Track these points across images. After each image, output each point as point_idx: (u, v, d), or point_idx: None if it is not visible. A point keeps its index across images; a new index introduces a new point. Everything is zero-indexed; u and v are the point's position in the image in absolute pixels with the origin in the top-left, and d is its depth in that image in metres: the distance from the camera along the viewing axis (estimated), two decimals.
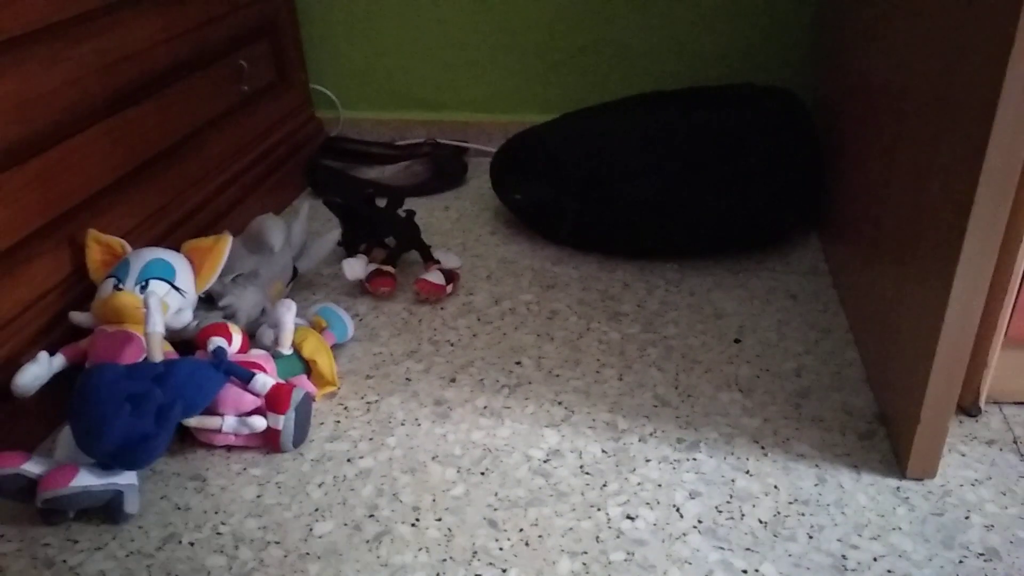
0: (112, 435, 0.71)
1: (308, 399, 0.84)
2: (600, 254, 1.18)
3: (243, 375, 0.81)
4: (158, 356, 0.79)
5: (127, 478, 0.75)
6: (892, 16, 0.88)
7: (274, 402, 0.81)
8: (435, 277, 1.07)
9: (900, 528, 0.71)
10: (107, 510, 0.75)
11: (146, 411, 0.73)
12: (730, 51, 1.36)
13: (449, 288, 1.08)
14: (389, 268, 1.09)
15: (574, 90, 1.44)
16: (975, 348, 0.77)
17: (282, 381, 0.84)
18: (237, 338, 0.86)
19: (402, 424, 0.86)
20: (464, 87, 1.49)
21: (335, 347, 0.96)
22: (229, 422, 0.80)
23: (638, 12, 1.36)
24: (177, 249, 0.93)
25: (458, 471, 0.80)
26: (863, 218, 0.95)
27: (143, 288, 0.86)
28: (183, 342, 0.89)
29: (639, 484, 0.77)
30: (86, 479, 0.72)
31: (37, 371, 0.80)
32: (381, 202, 1.20)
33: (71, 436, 0.75)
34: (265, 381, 0.82)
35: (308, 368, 0.89)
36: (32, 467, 0.72)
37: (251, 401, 0.81)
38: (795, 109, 1.15)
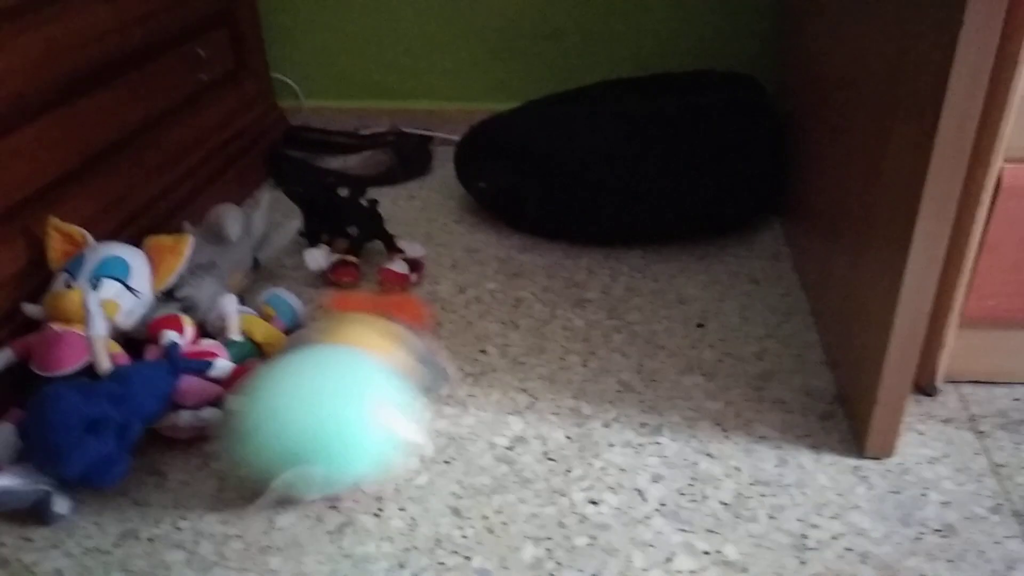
0: (74, 463, 0.70)
1: None
2: (565, 242, 1.18)
3: (199, 367, 0.80)
4: (104, 362, 0.77)
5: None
6: (847, 2, 0.88)
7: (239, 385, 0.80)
8: (399, 266, 1.07)
9: (859, 506, 0.72)
10: (34, 511, 0.73)
11: (106, 434, 0.71)
12: (693, 38, 1.37)
13: (413, 277, 1.08)
14: (352, 258, 1.08)
15: (538, 78, 1.44)
16: (930, 328, 0.78)
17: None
18: (189, 329, 0.84)
19: None
20: (428, 75, 1.48)
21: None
22: (184, 416, 0.79)
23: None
24: (138, 243, 0.92)
25: (421, 460, 0.80)
26: (823, 202, 0.96)
27: (95, 286, 0.84)
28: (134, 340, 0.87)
29: (602, 469, 0.78)
30: (6, 480, 0.71)
31: None
32: (343, 191, 1.19)
33: (6, 435, 0.74)
34: (224, 365, 0.81)
35: (261, 352, 0.88)
36: None
37: (214, 389, 0.81)
38: (757, 95, 1.16)
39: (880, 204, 0.74)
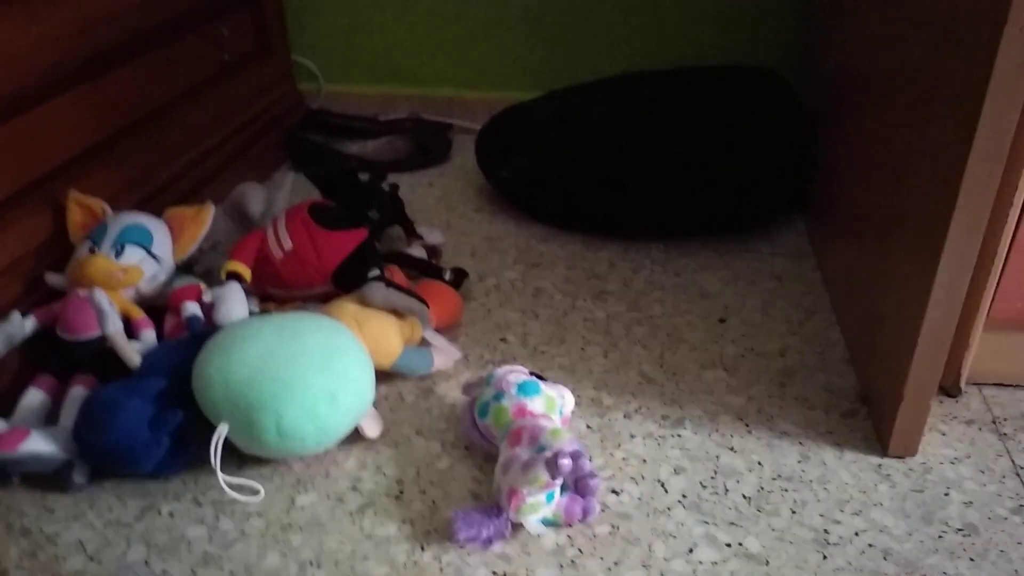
0: (148, 462, 0.73)
1: None
2: (586, 233, 1.17)
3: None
4: (130, 354, 0.78)
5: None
6: None
7: None
8: (417, 252, 1.06)
9: (881, 504, 0.72)
10: (55, 478, 0.74)
11: (167, 430, 0.73)
12: (718, 32, 1.36)
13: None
14: None
15: (560, 68, 1.44)
16: (957, 329, 0.78)
17: None
18: (208, 296, 0.85)
19: (385, 398, 0.86)
20: (449, 62, 1.47)
21: None
22: None
23: None
24: (158, 215, 0.91)
25: (442, 445, 0.80)
26: (849, 201, 0.96)
27: (118, 252, 0.84)
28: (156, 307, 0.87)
29: (624, 459, 0.77)
30: (36, 444, 0.71)
31: (9, 332, 0.79)
32: (364, 176, 1.18)
33: (35, 401, 0.75)
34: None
35: None
36: None
37: None
38: (782, 90, 1.15)
39: (912, 202, 0.74)
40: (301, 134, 1.39)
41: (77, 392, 0.77)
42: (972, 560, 0.67)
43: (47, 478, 0.74)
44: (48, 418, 0.78)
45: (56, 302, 0.83)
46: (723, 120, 1.11)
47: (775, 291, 1.03)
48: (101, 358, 0.79)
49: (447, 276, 1.01)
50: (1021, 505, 0.72)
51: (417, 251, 1.07)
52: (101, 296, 0.79)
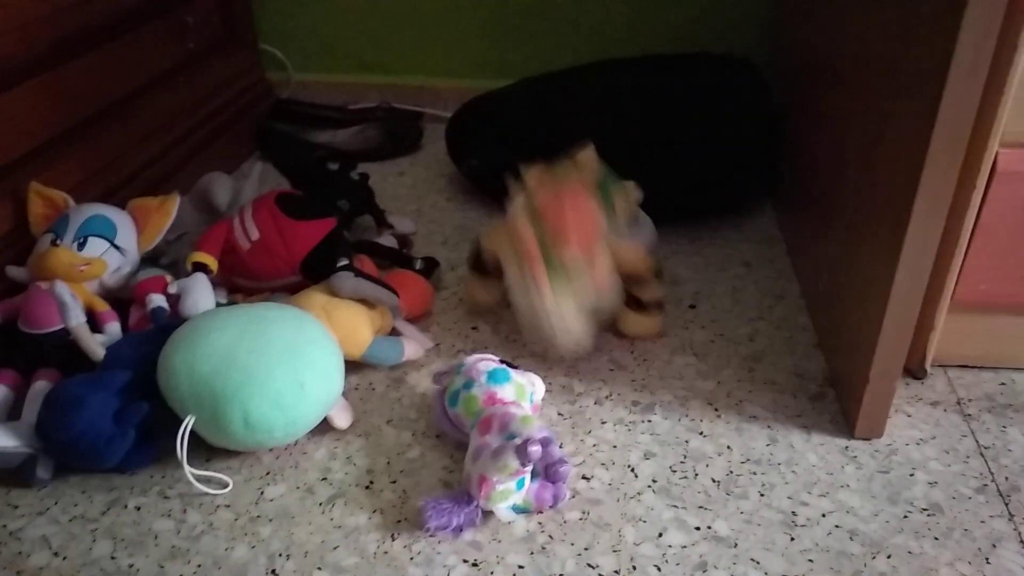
0: (112, 457, 0.72)
1: None
2: None
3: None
4: (94, 347, 0.76)
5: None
6: None
7: None
8: (388, 241, 1.06)
9: (848, 485, 0.73)
10: (18, 473, 0.73)
11: (130, 420, 0.72)
12: (688, 19, 1.36)
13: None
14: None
15: (531, 56, 1.43)
16: (922, 312, 0.79)
17: None
18: (173, 287, 0.84)
19: (355, 388, 0.85)
20: (419, 50, 1.46)
21: None
22: None
23: None
24: (122, 207, 0.90)
25: (413, 435, 0.79)
26: (817, 186, 0.97)
27: (81, 245, 0.83)
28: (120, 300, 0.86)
29: (594, 445, 0.78)
30: (1, 440, 0.70)
31: None
32: (333, 165, 1.17)
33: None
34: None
35: None
36: None
37: None
38: (752, 78, 1.16)
39: (877, 186, 0.75)
40: (270, 124, 1.38)
41: (40, 386, 0.76)
42: (937, 539, 0.68)
43: (10, 473, 0.73)
44: (11, 413, 0.77)
45: (18, 295, 0.81)
46: (694, 108, 1.11)
47: (744, 277, 1.04)
48: (64, 351, 0.78)
49: (418, 265, 1.00)
50: (985, 484, 0.73)
51: (388, 240, 1.06)
52: (63, 288, 0.77)
